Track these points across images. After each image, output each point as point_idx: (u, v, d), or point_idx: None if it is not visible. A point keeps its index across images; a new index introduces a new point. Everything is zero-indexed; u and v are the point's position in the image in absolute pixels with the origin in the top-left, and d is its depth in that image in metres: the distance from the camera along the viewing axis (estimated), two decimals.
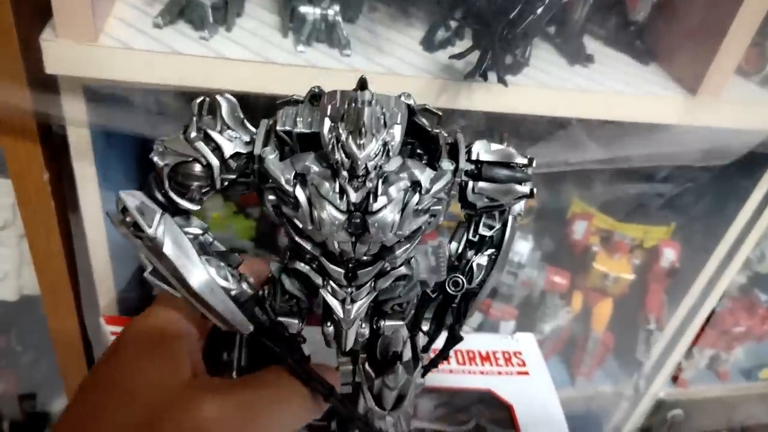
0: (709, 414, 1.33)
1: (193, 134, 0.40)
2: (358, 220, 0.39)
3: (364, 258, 0.42)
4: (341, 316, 0.44)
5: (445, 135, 0.44)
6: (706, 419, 1.34)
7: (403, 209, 0.39)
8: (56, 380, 1.01)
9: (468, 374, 0.81)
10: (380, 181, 0.38)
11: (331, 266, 0.42)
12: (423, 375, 0.54)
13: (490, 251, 0.49)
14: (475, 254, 0.49)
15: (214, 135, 0.40)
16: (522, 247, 1.00)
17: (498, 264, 0.48)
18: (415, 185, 0.40)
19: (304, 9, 0.64)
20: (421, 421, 0.79)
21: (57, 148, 0.69)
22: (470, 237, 0.49)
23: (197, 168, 0.41)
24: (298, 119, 0.41)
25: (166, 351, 0.43)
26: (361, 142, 0.36)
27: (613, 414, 1.25)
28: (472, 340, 0.86)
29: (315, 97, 0.43)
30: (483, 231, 0.48)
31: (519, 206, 0.49)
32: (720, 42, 0.68)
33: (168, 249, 0.40)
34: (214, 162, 0.40)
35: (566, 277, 1.03)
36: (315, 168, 0.39)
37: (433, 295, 0.50)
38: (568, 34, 0.74)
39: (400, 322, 0.49)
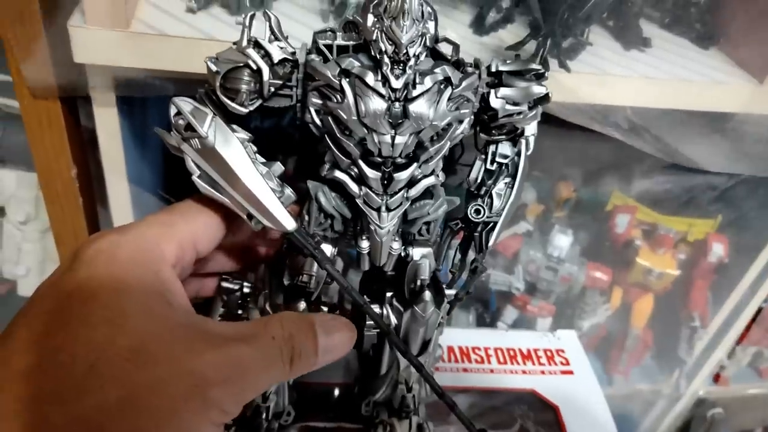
0: (749, 412, 1.29)
1: (245, 43, 0.45)
2: (398, 109, 0.44)
3: (400, 160, 0.46)
4: (377, 223, 0.48)
5: (466, 60, 0.48)
6: (746, 418, 1.30)
7: (437, 101, 0.45)
8: None
9: (509, 374, 0.78)
10: (417, 74, 0.44)
11: (369, 170, 0.46)
12: (449, 311, 0.58)
13: (507, 179, 0.53)
14: (493, 184, 0.53)
15: (264, 43, 0.45)
16: (561, 242, 0.96)
17: (515, 191, 0.53)
18: (447, 81, 0.45)
19: None
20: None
21: (85, 142, 0.66)
22: (488, 166, 0.53)
23: (247, 72, 0.45)
24: (337, 35, 0.47)
25: (154, 274, 0.38)
26: (405, 23, 0.42)
27: (650, 413, 1.21)
28: (512, 338, 0.83)
29: (348, 24, 0.47)
30: (499, 159, 0.53)
31: (532, 128, 0.53)
32: None
33: (219, 146, 0.44)
34: (264, 66, 0.45)
35: (608, 273, 0.99)
36: (357, 64, 0.44)
37: (456, 228, 0.55)
38: (624, 17, 0.69)
39: (428, 249, 0.54)
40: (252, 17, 0.46)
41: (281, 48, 0.46)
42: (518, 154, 0.54)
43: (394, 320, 0.58)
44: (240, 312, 0.62)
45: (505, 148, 0.54)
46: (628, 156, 0.75)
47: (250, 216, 0.47)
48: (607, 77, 0.63)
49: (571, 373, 0.80)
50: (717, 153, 0.66)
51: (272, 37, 0.46)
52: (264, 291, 0.58)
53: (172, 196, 0.78)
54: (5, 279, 1.01)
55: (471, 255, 0.58)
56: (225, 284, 0.63)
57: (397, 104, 0.45)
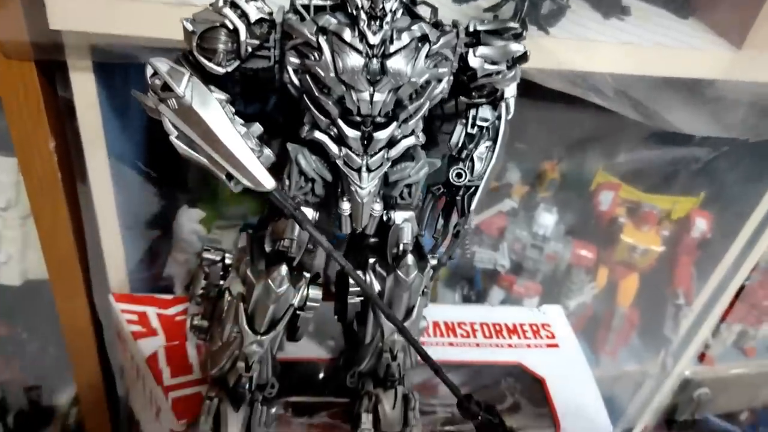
0: (735, 392, 1.30)
1: (221, 3, 0.45)
2: (376, 66, 0.45)
3: (379, 119, 0.47)
4: (358, 184, 0.49)
5: (444, 23, 0.49)
6: (732, 398, 1.31)
7: (415, 57, 0.46)
8: (63, 369, 0.97)
9: (495, 347, 0.78)
10: (395, 30, 0.45)
11: (348, 129, 0.47)
12: (432, 277, 0.60)
13: (487, 143, 0.55)
14: (474, 147, 0.54)
15: (241, 3, 0.45)
16: (546, 220, 0.97)
17: (496, 154, 0.55)
18: (425, 38, 0.46)
19: None
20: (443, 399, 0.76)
21: (63, 113, 0.65)
22: (468, 130, 0.54)
23: (224, 32, 0.45)
24: None
25: None
26: None
27: (638, 393, 1.22)
28: (498, 313, 0.83)
29: None
30: (480, 122, 0.54)
31: (511, 90, 0.54)
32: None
33: (197, 105, 0.45)
34: (241, 26, 0.45)
35: (593, 251, 0.99)
36: (334, 21, 0.45)
37: (438, 193, 0.56)
38: None
39: (410, 213, 0.55)
40: None
41: (258, 8, 0.46)
42: (498, 117, 0.55)
43: (377, 286, 0.58)
44: (221, 282, 0.62)
45: (485, 111, 0.55)
46: (611, 126, 0.75)
47: (229, 176, 0.47)
48: (587, 43, 0.63)
49: (556, 346, 0.80)
50: (696, 119, 0.67)
51: None
52: (246, 258, 0.58)
53: (153, 169, 0.77)
54: None
55: (453, 220, 0.59)
56: (207, 255, 0.62)
57: (374, 60, 0.45)
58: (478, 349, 0.77)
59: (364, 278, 0.59)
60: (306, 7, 0.47)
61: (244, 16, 0.46)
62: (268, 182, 0.48)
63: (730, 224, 0.97)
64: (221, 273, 0.62)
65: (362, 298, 0.60)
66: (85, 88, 0.61)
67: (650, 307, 1.10)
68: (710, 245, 1.01)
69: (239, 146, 0.46)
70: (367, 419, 0.63)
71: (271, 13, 0.47)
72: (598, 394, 0.75)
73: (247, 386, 0.58)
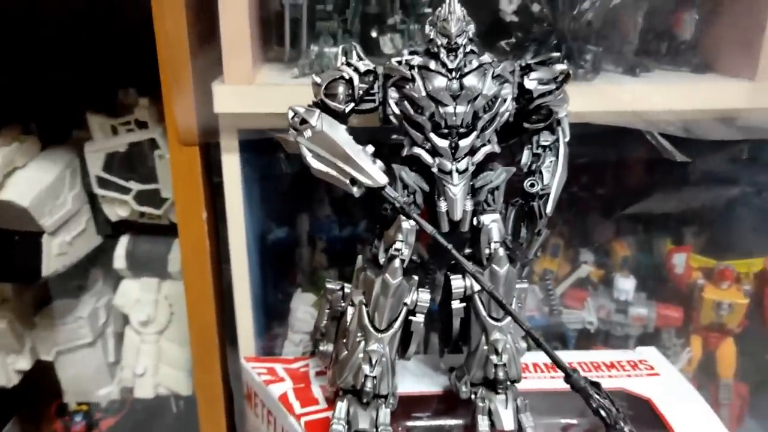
0: None
1: (340, 63, 0.66)
2: (455, 85, 0.62)
3: (462, 130, 0.63)
4: (451, 182, 0.63)
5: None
6: None
7: (484, 76, 0.63)
8: None
9: (596, 378, 0.80)
10: (466, 59, 0.62)
11: (439, 139, 0.63)
12: (522, 273, 0.72)
13: (551, 158, 0.67)
14: (541, 163, 0.67)
15: (353, 61, 0.66)
16: (625, 285, 1.02)
17: (561, 166, 0.67)
18: (489, 64, 0.64)
19: None
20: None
21: (214, 193, 0.83)
22: (534, 151, 0.68)
23: (342, 82, 0.64)
24: (404, 54, 0.66)
25: None
26: (452, 21, 0.62)
27: None
28: (594, 353, 0.87)
29: (413, 53, 0.66)
30: (543, 143, 0.67)
31: (564, 111, 0.68)
32: (763, 33, 0.79)
33: (327, 130, 0.62)
34: (354, 75, 0.64)
35: (678, 311, 1.03)
36: (421, 59, 0.64)
37: (516, 204, 0.68)
38: (626, 58, 0.86)
39: (496, 215, 0.67)
40: (344, 48, 0.67)
41: (365, 65, 0.66)
42: (557, 140, 0.69)
43: (476, 287, 0.67)
44: (342, 304, 0.72)
45: (546, 135, 0.69)
46: (659, 171, 0.87)
47: (353, 181, 0.62)
48: (626, 85, 0.80)
49: (657, 375, 0.82)
50: (730, 132, 0.78)
51: (358, 58, 0.67)
52: (363, 272, 0.69)
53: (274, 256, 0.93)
54: (125, 387, 1.12)
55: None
56: (329, 285, 0.74)
57: (454, 81, 0.62)
58: None
59: (463, 282, 0.68)
60: (399, 62, 0.66)
61: (356, 70, 0.65)
62: (383, 179, 0.62)
63: None
64: (341, 301, 0.73)
65: (465, 304, 0.69)
66: (232, 166, 0.79)
67: (755, 374, 1.07)
68: None
69: (360, 155, 0.62)
70: (482, 421, 0.68)
71: (375, 67, 0.66)
72: (711, 411, 0.76)
73: (371, 386, 0.65)
